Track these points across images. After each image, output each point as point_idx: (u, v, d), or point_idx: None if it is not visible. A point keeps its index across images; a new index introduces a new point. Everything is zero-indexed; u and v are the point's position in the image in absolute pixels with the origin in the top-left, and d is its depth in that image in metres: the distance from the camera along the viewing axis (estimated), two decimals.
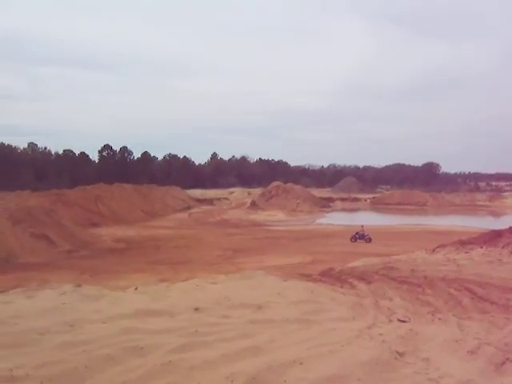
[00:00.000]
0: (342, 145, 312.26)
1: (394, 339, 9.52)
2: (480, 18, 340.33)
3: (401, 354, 8.54)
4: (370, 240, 48.93)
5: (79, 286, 16.23)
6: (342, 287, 16.59)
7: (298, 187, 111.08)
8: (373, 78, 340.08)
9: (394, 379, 7.45)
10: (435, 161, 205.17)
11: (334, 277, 19.25)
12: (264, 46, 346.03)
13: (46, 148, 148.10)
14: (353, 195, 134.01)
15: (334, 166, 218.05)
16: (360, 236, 49.69)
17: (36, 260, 39.05)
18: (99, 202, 76.34)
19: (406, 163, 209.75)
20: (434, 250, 25.09)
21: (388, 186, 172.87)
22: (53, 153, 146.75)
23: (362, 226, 52.61)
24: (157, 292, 14.41)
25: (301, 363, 7.79)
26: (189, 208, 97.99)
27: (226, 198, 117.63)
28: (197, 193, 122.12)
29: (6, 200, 65.18)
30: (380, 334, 9.80)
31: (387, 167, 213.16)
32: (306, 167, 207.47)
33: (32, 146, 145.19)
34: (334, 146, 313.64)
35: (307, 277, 18.95)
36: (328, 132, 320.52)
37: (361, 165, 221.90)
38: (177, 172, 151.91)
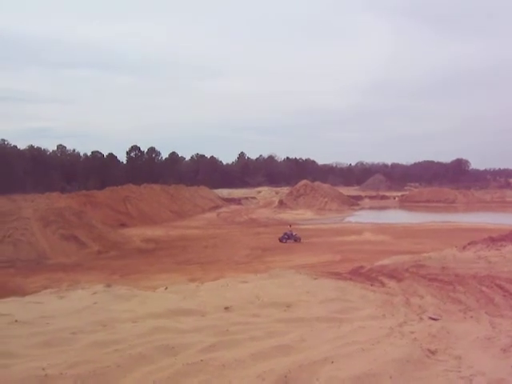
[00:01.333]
0: (369, 142, 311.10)
1: (426, 337, 9.44)
2: (507, 13, 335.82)
3: (432, 352, 8.47)
4: (299, 239, 48.76)
5: (110, 286, 16.35)
6: (371, 285, 16.49)
7: (325, 185, 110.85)
8: (399, 74, 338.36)
9: (426, 377, 7.38)
10: (464, 157, 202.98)
11: (364, 275, 19.14)
12: (289, 46, 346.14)
13: (74, 150, 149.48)
14: (381, 193, 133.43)
15: (362, 163, 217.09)
16: (289, 236, 49.34)
17: (66, 261, 39.42)
18: (128, 203, 76.77)
19: (435, 160, 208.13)
20: (464, 248, 24.82)
21: (417, 184, 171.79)
22: (81, 155, 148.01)
23: (290, 226, 53.55)
24: (187, 291, 14.45)
25: (332, 362, 7.76)
26: (217, 207, 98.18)
27: (254, 198, 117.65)
28: (224, 192, 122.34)
29: (36, 202, 65.87)
30: (411, 332, 9.73)
31: (416, 164, 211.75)
32: (334, 165, 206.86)
33: (61, 148, 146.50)
34: (361, 143, 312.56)
35: (337, 275, 18.87)
36: (355, 130, 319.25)
37: (389, 162, 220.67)
38: (204, 172, 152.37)
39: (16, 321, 11.33)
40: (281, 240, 48.72)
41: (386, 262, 23.61)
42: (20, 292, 23.95)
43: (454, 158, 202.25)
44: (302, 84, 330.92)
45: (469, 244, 25.20)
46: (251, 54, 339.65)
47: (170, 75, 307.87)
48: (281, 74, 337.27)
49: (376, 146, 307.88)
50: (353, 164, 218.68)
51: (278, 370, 7.43)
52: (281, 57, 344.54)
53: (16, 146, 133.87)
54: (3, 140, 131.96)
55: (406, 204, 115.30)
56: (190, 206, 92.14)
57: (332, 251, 39.27)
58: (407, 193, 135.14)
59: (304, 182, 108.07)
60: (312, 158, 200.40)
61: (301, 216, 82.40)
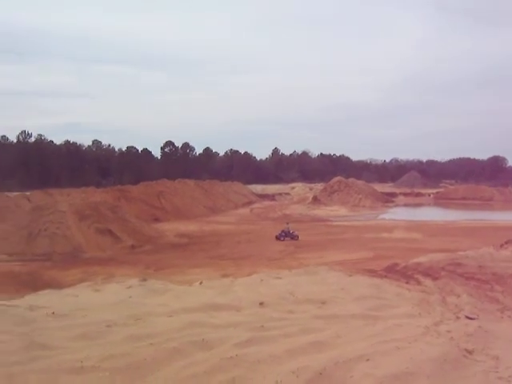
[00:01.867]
0: (404, 139, 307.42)
1: (463, 336, 9.35)
2: None
3: (470, 352, 8.38)
4: (297, 237, 46.79)
5: (145, 280, 16.47)
6: (407, 283, 16.35)
7: (360, 182, 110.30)
8: (436, 70, 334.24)
9: (464, 377, 7.30)
10: (501, 154, 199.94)
11: (399, 273, 18.98)
12: (325, 40, 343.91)
13: (109, 145, 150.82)
14: (416, 190, 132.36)
15: (397, 160, 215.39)
16: (286, 233, 47.37)
17: (101, 255, 39.74)
18: (162, 198, 77.12)
19: (471, 157, 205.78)
20: (501, 246, 24.49)
21: (452, 181, 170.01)
22: (116, 150, 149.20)
23: (287, 223, 50.70)
24: (222, 286, 14.47)
25: (367, 359, 7.71)
26: (250, 203, 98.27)
27: (288, 193, 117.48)
28: (258, 188, 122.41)
29: (72, 196, 66.72)
30: (448, 331, 9.64)
31: (451, 161, 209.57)
32: (368, 162, 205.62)
33: (96, 143, 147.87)
34: (396, 139, 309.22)
35: (372, 272, 18.74)
36: (390, 126, 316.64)
37: (424, 159, 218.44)
38: (238, 167, 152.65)
39: (53, 313, 11.47)
40: (278, 238, 46.88)
41: (421, 259, 23.37)
42: (56, 285, 24.23)
43: (490, 155, 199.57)
44: (336, 79, 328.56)
45: (506, 243, 24.88)
46: (285, 48, 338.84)
47: (205, 71, 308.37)
48: (316, 68, 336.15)
49: (411, 143, 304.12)
50: (387, 160, 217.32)
51: (312, 366, 7.41)
52: (316, 51, 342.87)
53: (52, 141, 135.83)
54: (40, 135, 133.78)
55: (440, 201, 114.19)
56: (223, 201, 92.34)
57: (365, 248, 39.02)
58: (442, 190, 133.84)
59: (338, 178, 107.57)
60: (346, 155, 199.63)
61: (335, 212, 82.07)
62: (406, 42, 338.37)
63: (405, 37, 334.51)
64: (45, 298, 14.15)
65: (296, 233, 47.52)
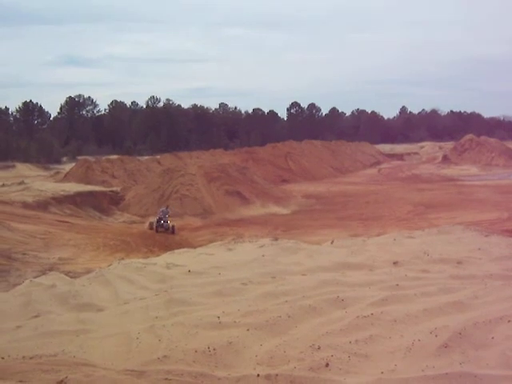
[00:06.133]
0: None
1: None
2: None
3: None
4: (172, 230, 33.60)
5: (276, 239, 16.69)
6: None
7: (492, 140, 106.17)
8: None
9: None
10: None
11: None
12: None
13: (236, 108, 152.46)
14: None
15: None
16: (160, 221, 34.00)
17: (230, 216, 40.53)
18: (289, 159, 77.54)
19: None
20: None
21: None
22: (243, 112, 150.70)
23: (167, 207, 36.22)
24: (354, 245, 14.46)
25: (508, 321, 7.51)
26: (378, 163, 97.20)
27: (417, 153, 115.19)
28: (386, 148, 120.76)
29: (201, 159, 68.29)
30: None
31: None
32: (501, 119, 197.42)
33: (223, 106, 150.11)
34: None
35: (509, 232, 18.18)
36: None
37: None
38: (365, 127, 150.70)
39: (189, 271, 11.86)
40: (154, 228, 34.04)
41: None
42: (187, 245, 25.01)
43: None
44: (466, 33, 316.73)
45: None
46: (412, 3, 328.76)
47: (327, 29, 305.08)
48: (443, 22, 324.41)
49: None
50: None
51: (451, 326, 7.32)
52: (443, 5, 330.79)
53: (180, 105, 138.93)
54: (168, 100, 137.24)
55: None
56: (350, 161, 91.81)
57: (500, 208, 37.66)
58: None
59: (469, 136, 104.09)
60: (478, 112, 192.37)
61: (466, 172, 79.77)
62: None
63: None
64: (180, 257, 14.65)
65: (170, 224, 34.06)
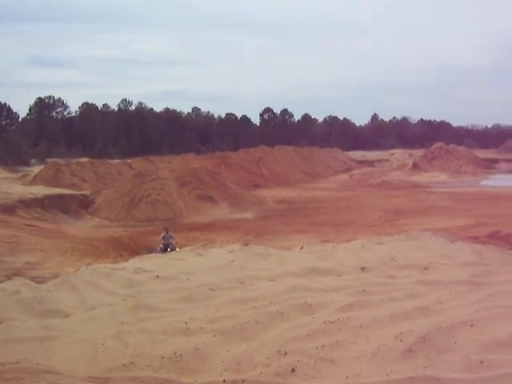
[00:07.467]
0: (507, 104, 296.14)
1: None
2: None
3: None
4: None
5: (246, 245, 16.71)
6: (511, 250, 15.97)
7: (460, 148, 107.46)
8: None
9: None
10: None
11: (503, 239, 18.61)
12: (427, 2, 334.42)
13: (209, 112, 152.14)
14: None
15: (499, 126, 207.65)
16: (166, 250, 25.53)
17: (201, 220, 40.44)
18: (261, 164, 77.55)
19: None
20: None
21: None
22: (216, 117, 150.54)
23: (166, 230, 27.24)
24: (323, 251, 14.53)
25: (471, 325, 7.63)
26: (349, 170, 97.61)
27: (387, 160, 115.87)
28: (357, 154, 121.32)
29: (173, 163, 68.05)
30: None
31: None
32: (469, 128, 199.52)
33: (196, 110, 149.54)
34: (498, 105, 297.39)
35: (474, 239, 18.40)
36: (492, 90, 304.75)
37: None
38: (337, 134, 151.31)
39: (157, 276, 11.83)
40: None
41: None
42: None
43: None
44: (436, 42, 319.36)
45: None
46: (384, 12, 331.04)
47: (302, 35, 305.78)
48: (415, 31, 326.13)
49: None
50: (489, 126, 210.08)
51: (416, 331, 7.42)
52: (416, 14, 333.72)
53: (153, 109, 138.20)
54: (140, 103, 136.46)
55: None
56: (322, 167, 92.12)
57: (467, 215, 38.04)
58: None
59: (439, 144, 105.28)
60: (447, 120, 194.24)
61: (435, 179, 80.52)
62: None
63: None
64: (149, 262, 14.61)
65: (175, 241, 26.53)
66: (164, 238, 27.24)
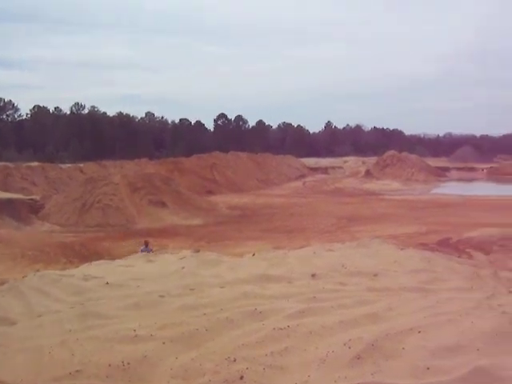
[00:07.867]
0: (458, 113, 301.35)
1: None
2: None
3: None
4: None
5: (198, 251, 16.67)
6: (459, 257, 16.28)
7: (413, 156, 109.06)
8: (491, 43, 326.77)
9: None
10: None
11: (451, 246, 18.94)
12: (378, 10, 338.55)
13: (162, 117, 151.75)
14: (469, 165, 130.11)
15: (450, 134, 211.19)
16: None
17: (153, 226, 40.24)
18: (215, 170, 77.56)
19: None
20: None
21: (507, 156, 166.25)
22: (169, 122, 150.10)
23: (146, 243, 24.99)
24: (274, 258, 14.56)
25: (419, 332, 7.73)
26: (303, 176, 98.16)
27: (341, 167, 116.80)
28: (311, 161, 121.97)
29: (125, 168, 67.64)
30: (500, 305, 9.53)
31: (506, 136, 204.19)
32: (421, 136, 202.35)
33: (149, 115, 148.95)
34: (449, 114, 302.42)
35: (424, 246, 18.69)
36: (444, 99, 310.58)
37: (478, 134, 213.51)
38: (291, 140, 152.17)
39: (107, 283, 11.72)
40: None
41: (473, 234, 23.22)
42: (108, 256, 24.68)
43: None
44: (392, 51, 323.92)
45: None
46: (337, 20, 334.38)
47: (257, 43, 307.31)
48: (369, 40, 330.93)
49: (465, 117, 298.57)
50: (441, 135, 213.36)
51: (365, 338, 7.47)
52: (370, 23, 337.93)
53: (106, 113, 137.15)
54: (93, 107, 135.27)
55: (494, 176, 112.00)
56: (276, 174, 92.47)
57: (418, 223, 38.63)
58: (496, 165, 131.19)
59: (391, 152, 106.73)
60: (400, 128, 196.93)
61: (387, 186, 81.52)
62: (463, 15, 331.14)
63: (461, 9, 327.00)
64: (98, 269, 14.46)
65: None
66: (142, 251, 27.44)
